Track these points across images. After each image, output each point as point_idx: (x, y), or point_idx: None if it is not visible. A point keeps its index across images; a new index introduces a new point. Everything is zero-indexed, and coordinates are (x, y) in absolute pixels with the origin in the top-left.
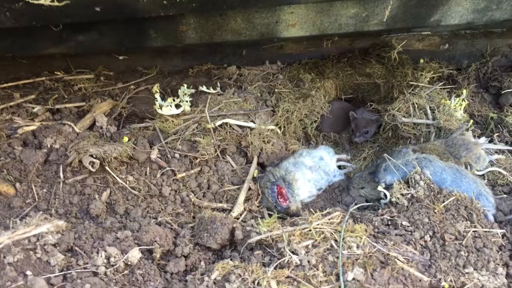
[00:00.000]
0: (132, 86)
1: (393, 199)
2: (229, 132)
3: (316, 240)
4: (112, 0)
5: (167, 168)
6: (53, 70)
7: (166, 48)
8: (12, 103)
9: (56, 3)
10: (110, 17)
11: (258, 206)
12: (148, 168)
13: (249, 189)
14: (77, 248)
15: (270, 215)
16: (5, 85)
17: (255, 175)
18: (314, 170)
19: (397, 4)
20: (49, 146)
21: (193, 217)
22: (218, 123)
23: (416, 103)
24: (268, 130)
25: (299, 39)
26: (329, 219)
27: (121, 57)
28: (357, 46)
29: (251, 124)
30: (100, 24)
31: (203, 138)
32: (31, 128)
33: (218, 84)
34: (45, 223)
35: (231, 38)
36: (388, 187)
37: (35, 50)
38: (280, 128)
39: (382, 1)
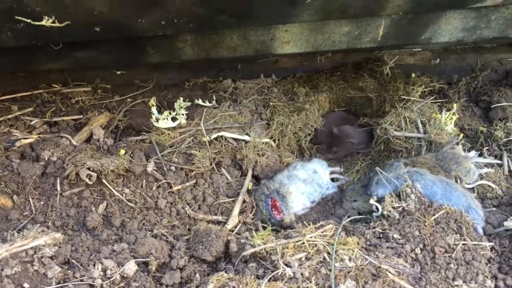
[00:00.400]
0: (128, 99)
1: (385, 212)
2: (224, 145)
3: (309, 253)
4: (111, 21)
5: (163, 181)
6: (51, 83)
7: (162, 63)
8: (10, 116)
9: (57, 24)
10: (109, 36)
11: (252, 219)
12: (144, 181)
13: (244, 201)
14: (74, 261)
15: (264, 228)
16: (2, 97)
17: (249, 187)
18: (307, 183)
19: (389, 23)
20: (46, 158)
21: (189, 230)
22: (214, 136)
23: (408, 117)
24: (263, 143)
25: (293, 55)
26: (322, 232)
27: (118, 72)
28: (350, 60)
29: (246, 137)
30: (99, 42)
31: (199, 151)
32: (29, 140)
33: (214, 98)
34: (42, 235)
35: (226, 54)
36: (380, 200)
37: (34, 66)
38: (274, 141)
39: (374, 20)
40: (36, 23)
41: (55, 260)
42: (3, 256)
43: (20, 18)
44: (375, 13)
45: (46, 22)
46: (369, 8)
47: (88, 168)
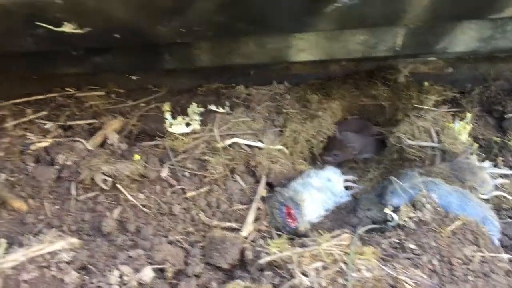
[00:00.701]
0: (142, 104)
1: (400, 222)
2: (238, 151)
3: (326, 262)
4: (131, 27)
5: (177, 187)
6: (64, 86)
7: (177, 69)
8: (24, 119)
9: (78, 30)
10: (128, 43)
11: (266, 226)
12: (158, 186)
13: (258, 209)
14: (90, 266)
15: (279, 235)
16: (16, 100)
17: (263, 195)
18: (321, 191)
19: (405, 32)
20: (61, 162)
21: (203, 236)
22: (227, 142)
23: (421, 126)
24: (276, 150)
25: (307, 62)
26: (338, 241)
27: (134, 77)
28: (363, 68)
29: (260, 144)
30: (117, 47)
31: (213, 157)
32: (44, 144)
33: (227, 103)
34: (58, 240)
35: (242, 61)
36: (395, 209)
37: (51, 70)
38: (287, 148)
39: (391, 29)
40: (57, 29)
41: (72, 266)
42: (20, 261)
43: (40, 24)
44: (393, 23)
45: (67, 28)
46: (388, 19)
47: (103, 173)
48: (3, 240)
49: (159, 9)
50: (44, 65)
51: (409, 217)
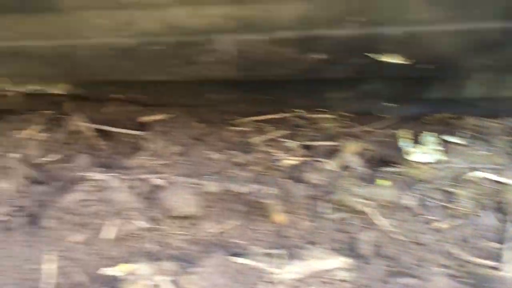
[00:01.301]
0: (374, 129)
1: None
2: (483, 186)
3: None
4: (444, 59)
5: (424, 216)
6: (293, 107)
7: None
8: (266, 137)
9: (406, 62)
10: (435, 74)
11: None
12: (404, 214)
13: None
14: None
15: None
16: (255, 118)
17: None
18: None
19: None
20: (310, 181)
21: (464, 272)
22: (471, 175)
23: None
24: None
25: None
26: None
27: (390, 104)
28: None
29: (506, 180)
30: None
31: (457, 189)
32: (291, 162)
33: (462, 135)
34: (329, 257)
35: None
36: None
37: (325, 95)
38: None
39: None
40: (388, 60)
41: (349, 285)
42: (302, 274)
43: (368, 54)
44: None
45: (397, 60)
46: None
47: (355, 195)
48: (284, 252)
49: (480, 42)
50: (318, 90)
51: None
